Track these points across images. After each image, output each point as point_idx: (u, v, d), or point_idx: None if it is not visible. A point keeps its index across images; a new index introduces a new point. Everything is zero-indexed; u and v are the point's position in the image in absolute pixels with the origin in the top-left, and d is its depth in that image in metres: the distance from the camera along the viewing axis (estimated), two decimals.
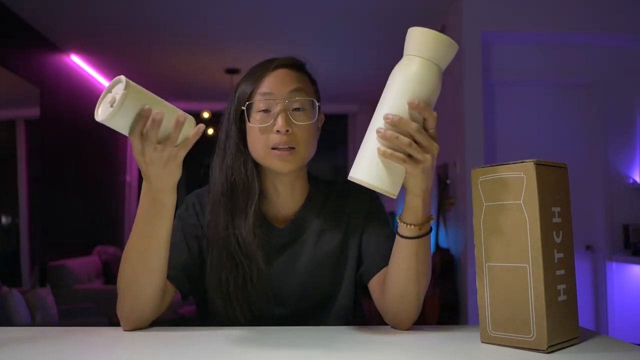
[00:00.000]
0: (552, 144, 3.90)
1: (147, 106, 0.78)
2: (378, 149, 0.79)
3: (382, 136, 0.78)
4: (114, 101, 0.77)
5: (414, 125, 0.78)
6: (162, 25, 4.47)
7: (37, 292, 3.74)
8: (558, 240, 0.78)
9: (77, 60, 5.34)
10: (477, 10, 3.68)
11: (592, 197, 3.91)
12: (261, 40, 4.78)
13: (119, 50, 5.14)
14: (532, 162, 0.76)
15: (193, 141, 0.84)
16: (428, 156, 0.80)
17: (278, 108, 1.00)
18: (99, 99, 0.79)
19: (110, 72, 5.81)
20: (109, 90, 0.79)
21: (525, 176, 0.76)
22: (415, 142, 0.79)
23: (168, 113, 0.81)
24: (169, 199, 0.88)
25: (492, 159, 3.74)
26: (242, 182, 1.04)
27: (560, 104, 3.96)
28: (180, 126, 0.81)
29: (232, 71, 5.58)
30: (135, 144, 0.81)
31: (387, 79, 0.83)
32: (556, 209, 0.79)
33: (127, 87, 0.76)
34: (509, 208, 0.78)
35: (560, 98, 3.97)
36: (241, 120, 1.04)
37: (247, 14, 4.24)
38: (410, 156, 0.79)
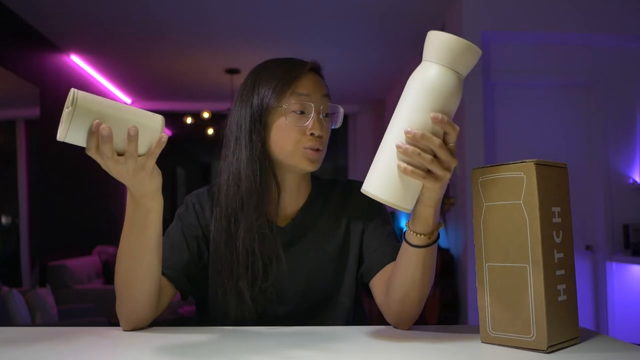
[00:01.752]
0: (552, 144, 3.90)
1: (96, 121, 0.73)
2: (398, 165, 0.76)
3: (403, 152, 0.75)
4: (67, 115, 0.73)
5: (437, 141, 0.75)
6: (162, 26, 4.47)
7: (37, 292, 3.74)
8: (558, 240, 0.78)
9: (77, 60, 5.34)
10: (477, 10, 3.68)
11: (592, 197, 3.91)
12: (261, 40, 4.78)
13: (119, 50, 5.14)
14: (532, 162, 0.76)
15: (159, 151, 0.79)
16: (447, 173, 0.77)
17: (314, 110, 1.01)
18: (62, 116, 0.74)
19: (110, 72, 5.81)
20: (67, 106, 0.73)
21: (525, 176, 0.76)
22: (436, 157, 0.76)
23: (126, 120, 0.75)
24: (154, 203, 0.86)
25: (492, 159, 3.74)
26: (249, 181, 1.03)
27: (560, 104, 3.96)
28: (133, 139, 0.75)
29: (232, 71, 5.57)
30: (96, 160, 0.78)
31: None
32: (556, 209, 0.79)
33: (73, 103, 0.72)
34: (509, 208, 0.78)
35: (560, 98, 3.97)
36: (259, 119, 1.02)
37: (248, 14, 4.24)
38: (428, 171, 0.77)
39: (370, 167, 0.80)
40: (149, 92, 6.78)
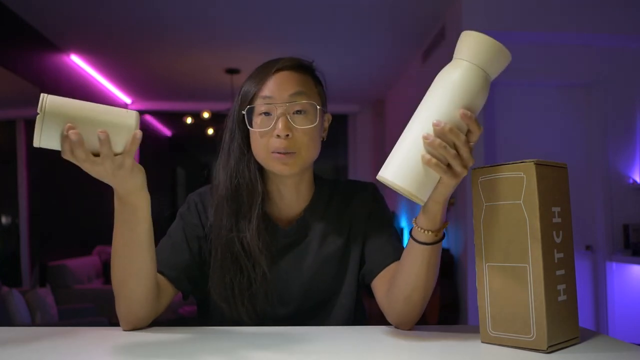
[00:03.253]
0: (552, 144, 3.90)
1: (67, 125, 0.73)
2: (422, 156, 0.76)
3: (429, 144, 0.75)
4: (38, 121, 0.72)
5: (462, 137, 0.76)
6: (162, 26, 4.47)
7: (37, 292, 3.74)
8: (558, 240, 0.78)
9: (77, 60, 5.34)
10: (477, 10, 3.68)
11: (592, 197, 3.91)
12: (261, 40, 4.78)
13: (119, 50, 5.14)
14: (532, 162, 0.76)
15: (135, 148, 0.78)
16: (465, 170, 0.78)
17: (278, 112, 0.99)
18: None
19: (110, 72, 5.81)
20: (38, 111, 0.73)
21: (525, 176, 0.76)
22: (458, 153, 0.77)
23: (99, 120, 0.75)
24: (140, 200, 0.86)
25: (492, 159, 3.74)
26: (246, 184, 1.03)
27: (560, 104, 3.96)
28: (105, 143, 0.75)
29: (232, 71, 5.58)
30: (74, 162, 0.77)
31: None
32: (556, 209, 0.79)
33: (42, 108, 0.71)
34: (509, 208, 0.78)
35: (560, 98, 3.97)
36: (244, 122, 1.03)
37: (248, 14, 4.24)
38: (448, 166, 0.77)
39: (390, 155, 0.80)
40: (149, 92, 6.78)
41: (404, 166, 0.77)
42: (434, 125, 0.75)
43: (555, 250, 0.77)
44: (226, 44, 4.96)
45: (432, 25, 4.34)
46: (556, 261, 0.77)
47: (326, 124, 1.10)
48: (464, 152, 0.77)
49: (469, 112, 0.76)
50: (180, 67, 5.59)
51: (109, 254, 5.06)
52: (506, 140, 3.86)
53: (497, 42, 0.76)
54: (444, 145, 0.75)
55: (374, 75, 5.93)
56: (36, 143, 0.73)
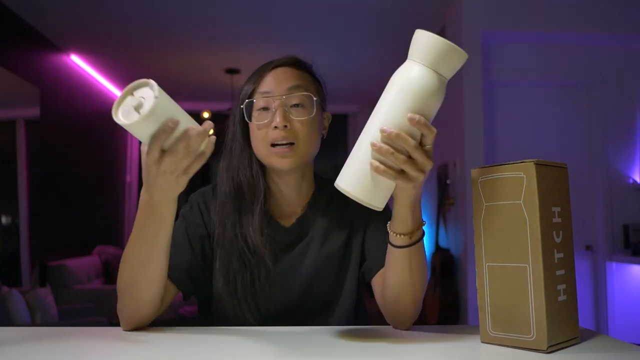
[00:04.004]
0: (552, 144, 3.90)
1: (175, 118, 0.73)
2: (371, 163, 0.75)
3: (377, 150, 0.74)
4: (140, 106, 0.72)
5: (411, 142, 0.74)
6: (163, 25, 4.47)
7: (37, 292, 3.74)
8: (558, 240, 0.78)
9: (77, 60, 5.34)
10: (477, 10, 3.68)
11: (592, 197, 3.91)
12: (261, 40, 4.78)
13: (119, 50, 5.14)
14: (532, 162, 0.76)
15: (209, 154, 0.80)
16: (421, 174, 0.77)
17: (276, 104, 1.01)
18: (118, 99, 0.74)
19: (110, 72, 5.81)
20: (130, 92, 0.74)
21: (525, 176, 0.76)
22: (411, 158, 0.76)
23: (188, 120, 0.77)
24: (168, 210, 0.85)
25: (492, 159, 3.74)
26: (248, 182, 1.05)
27: (560, 104, 3.96)
28: (205, 136, 0.78)
29: (232, 71, 5.57)
30: (153, 154, 0.76)
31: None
32: (556, 209, 0.79)
33: (159, 94, 0.71)
34: (509, 208, 0.78)
35: (560, 98, 3.97)
36: (244, 120, 1.05)
37: (248, 14, 4.24)
38: (402, 171, 0.76)
39: (345, 163, 0.79)
40: None
41: (356, 175, 0.76)
42: (381, 131, 0.74)
43: (555, 250, 0.77)
44: (226, 44, 4.96)
45: (432, 25, 4.33)
46: (556, 261, 0.77)
47: (326, 123, 1.12)
48: (417, 156, 0.75)
49: (416, 117, 0.73)
50: (180, 67, 5.59)
51: (109, 254, 5.07)
52: (506, 140, 3.86)
53: (450, 43, 0.74)
54: (391, 152, 0.74)
55: (374, 75, 5.91)
56: (136, 123, 0.72)
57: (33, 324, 3.47)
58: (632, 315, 3.84)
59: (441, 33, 4.17)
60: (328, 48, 5.00)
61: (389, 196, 0.79)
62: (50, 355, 0.77)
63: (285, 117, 1.00)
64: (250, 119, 1.03)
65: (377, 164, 0.75)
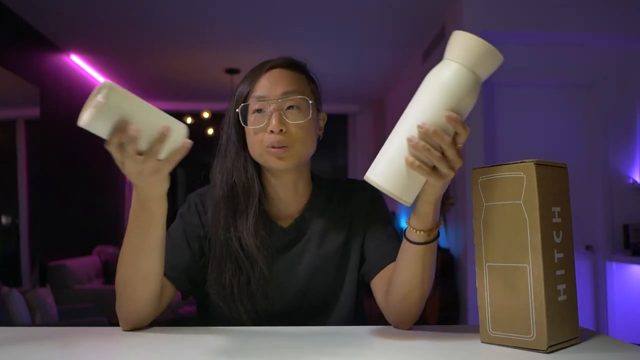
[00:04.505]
0: (552, 144, 3.90)
1: (127, 118, 0.73)
2: (406, 158, 0.76)
3: (413, 146, 0.76)
4: (97, 105, 0.72)
5: (447, 139, 0.76)
6: (162, 25, 4.47)
7: (37, 292, 3.74)
8: (558, 240, 0.78)
9: (77, 60, 5.34)
10: (477, 10, 3.68)
11: (592, 197, 3.91)
12: (261, 40, 4.78)
13: (119, 50, 5.14)
14: (532, 162, 0.76)
15: (179, 158, 0.79)
16: (452, 172, 0.78)
17: (271, 108, 1.00)
18: (86, 103, 0.74)
19: (110, 72, 5.81)
20: (95, 94, 0.73)
21: (525, 176, 0.76)
22: (444, 155, 0.77)
23: (154, 122, 0.75)
24: (158, 208, 0.85)
25: (492, 159, 3.74)
26: (242, 184, 1.04)
27: (560, 104, 3.96)
28: (164, 139, 0.75)
29: (232, 71, 5.58)
30: (113, 155, 0.77)
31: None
32: (556, 209, 0.79)
33: (110, 92, 0.71)
34: (509, 208, 0.78)
35: (560, 98, 3.97)
36: (239, 122, 1.05)
37: (248, 14, 4.24)
38: (434, 168, 0.78)
39: (377, 157, 0.80)
40: (149, 92, 6.78)
41: (389, 168, 0.78)
42: (418, 127, 0.75)
43: (555, 250, 0.77)
44: (226, 44, 4.96)
45: (432, 25, 4.33)
46: (556, 261, 0.77)
47: (321, 123, 1.11)
48: (450, 154, 0.77)
49: (454, 115, 0.75)
50: (180, 67, 5.59)
51: (109, 254, 5.08)
52: (506, 140, 3.86)
53: (488, 44, 0.75)
54: (427, 148, 0.75)
55: (374, 75, 5.92)
56: (84, 124, 0.72)
57: (33, 324, 3.47)
58: (632, 315, 3.84)
59: (441, 33, 4.17)
60: (328, 48, 5.00)
61: (418, 192, 0.81)
62: (50, 355, 0.77)
63: (281, 121, 0.99)
64: (245, 123, 1.03)
65: (413, 159, 0.76)
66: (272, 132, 0.99)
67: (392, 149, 0.78)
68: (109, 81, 0.74)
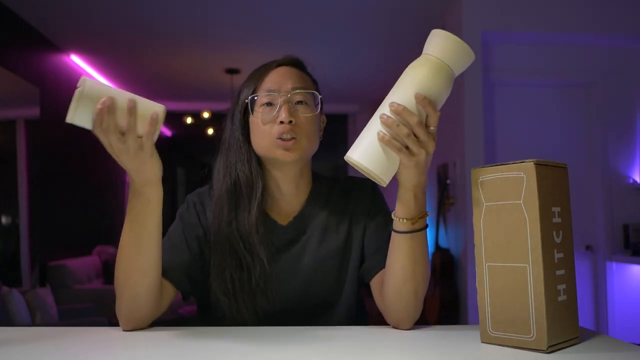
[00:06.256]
0: (552, 144, 3.90)
1: (102, 100, 0.79)
2: (377, 133, 0.81)
3: (383, 122, 0.81)
4: (75, 97, 0.80)
5: (415, 117, 0.80)
6: (162, 26, 4.47)
7: (37, 292, 3.74)
8: (558, 240, 0.78)
9: (77, 60, 5.34)
10: (477, 10, 3.68)
11: (592, 197, 3.91)
12: (261, 41, 4.78)
13: (119, 50, 5.14)
14: (532, 162, 0.76)
15: (152, 130, 0.82)
16: (423, 151, 0.82)
17: (281, 100, 1.03)
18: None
19: (110, 72, 5.81)
20: (78, 87, 0.81)
21: (525, 176, 0.76)
22: (415, 135, 0.81)
23: (125, 108, 0.81)
24: (154, 193, 0.88)
25: (492, 159, 3.74)
26: (245, 178, 1.05)
27: (560, 104, 3.96)
28: (133, 112, 0.80)
29: (232, 71, 5.58)
30: (100, 138, 0.82)
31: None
32: (556, 209, 0.79)
33: (82, 84, 0.79)
34: (509, 208, 0.78)
35: (560, 98, 3.97)
36: (244, 118, 1.07)
37: (248, 15, 4.24)
38: (406, 147, 0.81)
39: (357, 139, 0.85)
40: (149, 92, 6.76)
41: (365, 146, 0.83)
42: (389, 105, 0.81)
43: (555, 250, 0.77)
44: (226, 44, 4.96)
45: (432, 25, 4.31)
46: (556, 261, 0.77)
47: (322, 125, 1.13)
48: (419, 132, 0.81)
49: (421, 95, 0.80)
50: (180, 67, 5.59)
51: (109, 254, 5.08)
52: (506, 140, 3.86)
53: (463, 42, 0.82)
54: (396, 124, 0.80)
55: (373, 75, 5.92)
56: (69, 119, 0.80)
57: (33, 324, 3.47)
58: (632, 315, 3.84)
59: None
60: (328, 48, 5.00)
61: (394, 172, 0.84)
62: (50, 355, 0.77)
63: (291, 112, 1.02)
64: (253, 114, 1.05)
65: (383, 133, 0.81)
66: (281, 122, 1.01)
67: (369, 129, 0.84)
68: (85, 77, 0.82)
